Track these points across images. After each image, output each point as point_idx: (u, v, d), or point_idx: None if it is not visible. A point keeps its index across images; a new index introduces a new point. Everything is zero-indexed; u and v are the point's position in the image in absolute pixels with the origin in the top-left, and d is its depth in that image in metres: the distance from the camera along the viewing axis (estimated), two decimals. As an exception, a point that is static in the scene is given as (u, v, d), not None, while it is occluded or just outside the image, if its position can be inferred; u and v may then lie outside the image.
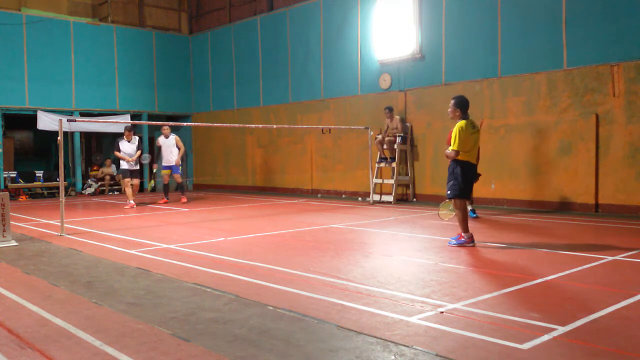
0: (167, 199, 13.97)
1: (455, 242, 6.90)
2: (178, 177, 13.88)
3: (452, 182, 6.89)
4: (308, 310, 4.17)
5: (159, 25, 19.52)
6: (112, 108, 17.83)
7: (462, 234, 6.88)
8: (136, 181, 12.65)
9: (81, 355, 3.36)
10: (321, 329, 3.78)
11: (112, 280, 5.33)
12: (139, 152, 12.69)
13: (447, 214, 8.50)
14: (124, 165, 12.55)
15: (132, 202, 12.56)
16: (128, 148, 12.46)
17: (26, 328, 3.88)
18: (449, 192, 6.92)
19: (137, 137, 12.66)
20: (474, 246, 6.82)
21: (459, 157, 6.81)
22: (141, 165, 13.96)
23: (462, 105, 6.97)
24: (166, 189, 14.09)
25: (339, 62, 14.87)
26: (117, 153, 12.49)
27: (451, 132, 8.98)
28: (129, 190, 12.67)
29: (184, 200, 13.92)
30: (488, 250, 6.64)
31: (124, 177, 12.80)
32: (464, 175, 6.84)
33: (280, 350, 3.39)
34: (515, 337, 3.52)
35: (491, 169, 11.72)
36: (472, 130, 6.89)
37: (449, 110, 7.07)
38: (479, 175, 7.41)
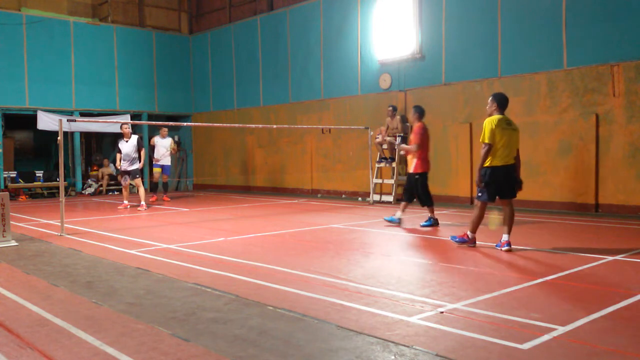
0: (157, 196, 14.49)
1: (457, 240, 6.88)
2: (166, 177, 14.33)
3: (481, 183, 6.64)
4: (308, 310, 4.16)
5: (159, 25, 19.53)
6: (112, 108, 17.84)
7: (467, 233, 6.82)
8: (137, 181, 12.42)
9: (81, 355, 3.36)
10: (321, 329, 3.78)
11: (112, 280, 5.33)
12: (142, 150, 12.51)
13: (495, 222, 8.21)
14: (122, 166, 12.46)
15: (126, 202, 12.51)
16: (126, 148, 12.29)
17: (26, 328, 3.88)
18: (479, 195, 6.66)
19: (135, 136, 12.46)
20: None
21: (492, 163, 6.47)
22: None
23: (500, 101, 6.70)
24: (155, 187, 14.68)
25: (339, 62, 14.87)
26: (118, 155, 12.40)
27: (414, 133, 9.15)
28: (125, 192, 12.71)
29: (167, 199, 14.31)
30: (488, 250, 6.63)
31: (132, 178, 12.66)
32: (492, 178, 6.51)
33: (280, 350, 3.39)
34: (515, 337, 3.52)
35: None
36: (504, 125, 6.55)
37: (487, 106, 6.81)
38: (521, 182, 6.74)
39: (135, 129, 18.74)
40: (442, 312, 4.09)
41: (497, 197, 6.64)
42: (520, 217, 9.97)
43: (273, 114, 16.77)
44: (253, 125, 15.18)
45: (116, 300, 4.60)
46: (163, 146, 14.03)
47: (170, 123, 10.97)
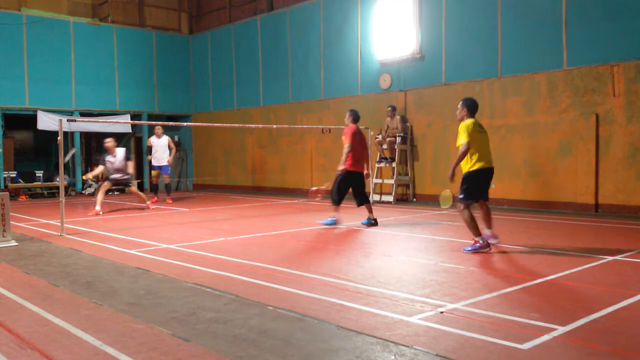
0: (157, 198, 14.22)
1: (470, 249, 6.47)
2: (166, 178, 14.10)
3: (465, 185, 6.55)
4: (308, 310, 4.16)
5: (159, 25, 19.52)
6: (112, 108, 17.84)
7: (477, 239, 6.46)
8: (132, 188, 12.04)
9: (81, 355, 3.36)
10: (321, 329, 3.78)
11: (112, 280, 5.33)
12: (130, 162, 12.09)
13: (446, 202, 8.32)
14: (113, 176, 11.74)
15: (98, 208, 11.24)
16: (115, 162, 11.68)
17: (26, 328, 3.88)
18: (461, 197, 6.55)
19: (122, 149, 11.91)
20: (489, 251, 6.44)
21: (473, 167, 6.53)
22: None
23: (470, 106, 6.79)
24: (156, 189, 14.36)
25: (339, 62, 14.87)
26: (102, 167, 11.76)
27: (344, 134, 9.04)
28: (101, 196, 11.47)
29: (169, 201, 14.08)
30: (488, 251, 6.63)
31: (104, 181, 11.97)
32: (477, 180, 6.57)
33: (280, 350, 3.39)
34: (515, 337, 3.52)
35: (491, 169, 11.72)
36: (479, 129, 6.68)
37: (457, 111, 6.89)
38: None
39: (135, 130, 18.81)
40: (442, 312, 4.09)
41: (477, 196, 6.67)
42: (521, 217, 9.97)
43: (273, 114, 16.77)
44: (253, 125, 15.17)
45: (116, 300, 4.60)
46: (160, 146, 13.72)
47: (170, 123, 10.95)
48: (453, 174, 6.62)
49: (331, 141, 14.90)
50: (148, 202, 12.19)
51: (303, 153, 15.94)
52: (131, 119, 17.72)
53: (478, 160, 6.57)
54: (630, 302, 4.30)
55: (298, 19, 15.96)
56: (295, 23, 16.05)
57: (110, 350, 3.42)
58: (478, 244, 6.44)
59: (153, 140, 13.79)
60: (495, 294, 4.61)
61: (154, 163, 13.81)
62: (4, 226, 7.44)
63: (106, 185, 11.82)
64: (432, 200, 12.72)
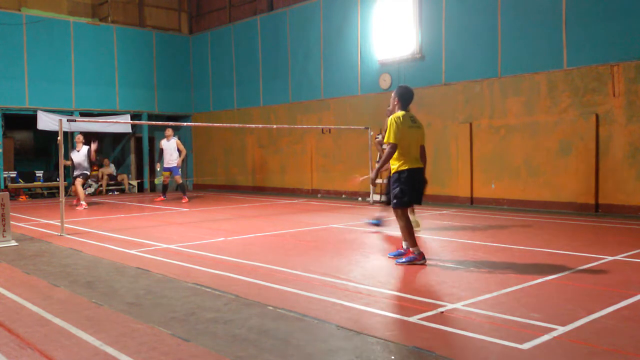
0: (165, 197, 14.55)
1: (404, 261, 5.81)
2: (178, 179, 14.28)
3: (397, 189, 5.83)
4: (308, 310, 4.16)
5: (159, 25, 19.52)
6: (112, 108, 17.84)
7: (411, 249, 5.88)
8: (78, 180, 12.73)
9: (81, 355, 3.36)
10: (321, 329, 3.78)
11: (112, 280, 5.33)
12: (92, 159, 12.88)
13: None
14: (76, 171, 12.80)
15: (83, 202, 12.69)
16: (77, 157, 12.70)
17: (26, 328, 3.88)
18: (394, 201, 5.86)
19: (86, 147, 12.74)
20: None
21: (402, 167, 5.81)
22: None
23: (403, 96, 5.97)
24: (165, 188, 14.67)
25: (339, 62, 14.87)
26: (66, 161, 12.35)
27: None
28: (81, 193, 12.84)
29: (185, 200, 14.18)
30: (488, 250, 6.63)
31: (74, 180, 12.99)
32: (410, 182, 5.82)
33: (280, 350, 3.39)
34: (515, 337, 3.52)
35: (491, 169, 11.73)
36: (410, 124, 5.87)
37: (390, 99, 6.13)
38: (426, 181, 6.11)
39: (135, 130, 18.82)
40: (442, 312, 4.09)
41: (413, 200, 5.95)
42: (521, 217, 9.97)
43: (273, 114, 16.78)
44: (253, 125, 15.18)
45: (116, 300, 4.60)
46: (169, 149, 13.99)
47: (171, 123, 10.96)
48: (376, 177, 6.20)
49: (331, 141, 14.91)
50: (82, 203, 12.48)
51: (303, 153, 15.94)
52: (131, 119, 17.72)
53: (408, 159, 5.83)
54: (630, 302, 4.30)
55: (298, 19, 15.96)
56: (295, 23, 16.06)
57: (110, 350, 3.42)
58: (411, 255, 5.84)
59: (163, 143, 14.09)
60: (495, 294, 4.61)
61: (164, 165, 14.12)
62: (4, 226, 7.44)
63: (78, 182, 12.83)
64: (431, 201, 12.73)
